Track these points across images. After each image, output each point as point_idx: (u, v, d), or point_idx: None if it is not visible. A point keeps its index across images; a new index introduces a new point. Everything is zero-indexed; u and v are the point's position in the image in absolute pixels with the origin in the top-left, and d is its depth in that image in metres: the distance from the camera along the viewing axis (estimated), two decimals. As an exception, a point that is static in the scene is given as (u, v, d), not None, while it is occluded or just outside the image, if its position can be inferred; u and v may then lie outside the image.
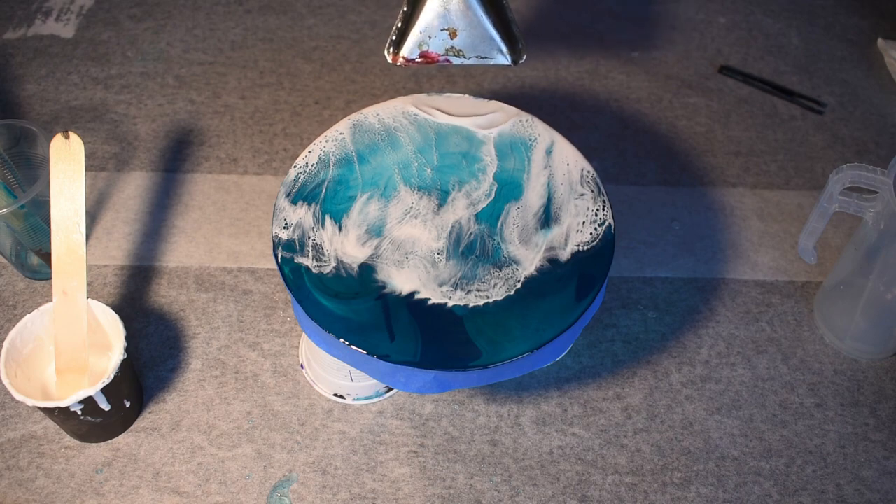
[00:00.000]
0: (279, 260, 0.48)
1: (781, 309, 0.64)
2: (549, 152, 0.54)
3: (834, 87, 0.81)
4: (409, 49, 0.54)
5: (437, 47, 0.54)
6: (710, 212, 0.70)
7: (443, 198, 0.52)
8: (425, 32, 0.53)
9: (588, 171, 0.53)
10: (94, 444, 0.55)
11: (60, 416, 0.51)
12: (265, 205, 0.69)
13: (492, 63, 0.54)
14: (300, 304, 0.47)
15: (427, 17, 0.53)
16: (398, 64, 0.54)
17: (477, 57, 0.54)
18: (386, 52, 0.54)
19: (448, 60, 0.54)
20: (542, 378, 0.60)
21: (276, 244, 0.49)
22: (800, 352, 0.62)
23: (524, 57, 0.54)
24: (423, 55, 0.53)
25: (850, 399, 0.60)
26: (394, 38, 0.54)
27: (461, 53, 0.53)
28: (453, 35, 0.53)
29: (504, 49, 0.54)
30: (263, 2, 0.86)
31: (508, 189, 0.52)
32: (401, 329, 0.46)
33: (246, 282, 0.64)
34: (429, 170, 0.53)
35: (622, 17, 0.87)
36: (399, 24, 0.54)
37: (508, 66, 0.54)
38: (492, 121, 0.55)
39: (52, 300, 0.53)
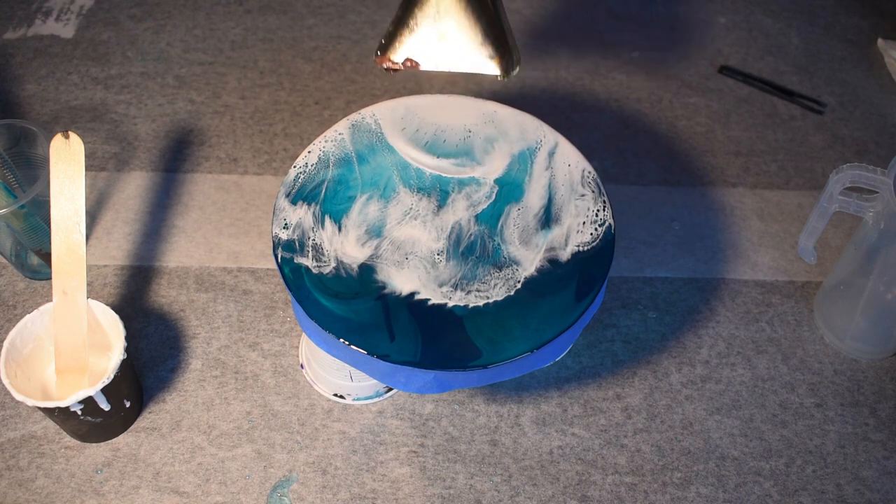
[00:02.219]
0: (279, 260, 0.48)
1: (781, 309, 0.64)
2: (551, 154, 0.54)
3: (834, 87, 0.81)
4: (396, 53, 0.53)
5: (425, 53, 0.53)
6: (710, 212, 0.70)
7: (443, 199, 0.52)
8: (415, 37, 0.53)
9: (589, 172, 0.53)
10: (94, 444, 0.55)
11: (60, 416, 0.51)
12: (265, 205, 0.69)
13: (481, 72, 0.53)
14: (300, 304, 0.47)
15: (417, 23, 0.53)
16: (385, 67, 0.54)
17: (465, 65, 0.53)
18: (374, 54, 0.54)
19: (435, 67, 0.53)
20: (542, 378, 0.60)
21: (276, 244, 0.49)
22: (800, 352, 0.62)
23: (516, 70, 0.53)
24: (409, 60, 0.53)
25: (850, 399, 0.60)
26: (383, 41, 0.54)
27: (449, 60, 0.53)
28: (443, 42, 0.53)
29: (494, 58, 0.53)
30: (263, 2, 0.86)
31: (509, 190, 0.52)
32: (401, 329, 0.46)
33: (246, 282, 0.64)
34: (428, 171, 0.53)
35: (622, 17, 0.87)
36: (390, 28, 0.54)
37: (499, 76, 0.53)
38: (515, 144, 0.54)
39: (52, 300, 0.53)
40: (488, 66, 0.53)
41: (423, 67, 0.53)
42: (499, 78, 0.53)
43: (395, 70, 0.54)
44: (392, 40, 0.53)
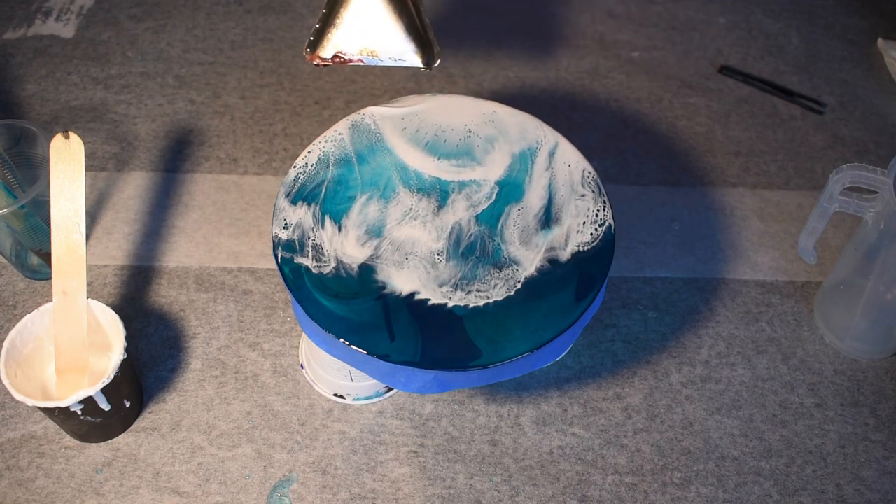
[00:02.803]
0: (279, 260, 0.48)
1: (781, 309, 0.64)
2: (551, 154, 0.54)
3: (834, 87, 0.81)
4: (324, 49, 0.56)
5: (352, 48, 0.55)
6: (710, 212, 0.70)
7: (443, 199, 0.52)
8: (341, 33, 0.55)
9: (589, 172, 0.53)
10: (94, 444, 0.55)
11: (60, 416, 0.51)
12: (265, 205, 0.69)
13: (405, 65, 0.56)
14: (300, 304, 0.47)
15: (343, 19, 0.55)
16: (315, 63, 0.56)
17: (391, 58, 0.56)
18: (304, 51, 0.56)
19: (362, 61, 0.56)
20: (542, 378, 0.60)
21: (276, 244, 0.49)
22: (800, 352, 0.62)
23: (438, 61, 0.56)
24: (337, 55, 0.55)
25: (850, 399, 0.60)
26: (311, 38, 0.56)
27: (375, 54, 0.55)
28: (367, 37, 0.55)
29: (416, 52, 0.56)
30: (263, 2, 0.86)
31: (509, 190, 0.52)
32: (401, 329, 0.46)
33: (246, 282, 0.64)
34: (428, 174, 0.53)
35: (622, 17, 0.87)
36: (318, 25, 0.56)
37: (421, 68, 0.57)
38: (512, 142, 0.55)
39: (52, 300, 0.53)
40: (412, 58, 0.56)
41: (350, 62, 0.56)
42: (423, 69, 0.56)
43: (325, 65, 0.56)
44: (320, 37, 0.56)
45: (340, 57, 0.55)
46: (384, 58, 0.56)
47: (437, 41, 0.57)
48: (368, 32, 0.55)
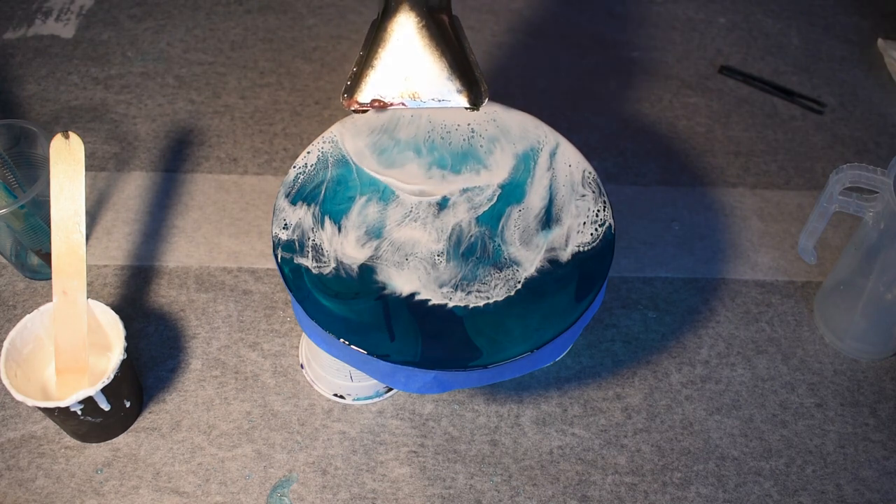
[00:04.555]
0: (279, 260, 0.48)
1: (781, 309, 0.64)
2: (552, 155, 0.54)
3: (834, 87, 0.81)
4: (362, 93, 0.53)
5: (392, 91, 0.53)
6: (710, 212, 0.70)
7: (443, 200, 0.52)
8: (380, 76, 0.53)
9: (589, 173, 0.53)
10: (94, 444, 0.55)
11: (60, 416, 0.51)
12: (265, 205, 0.69)
13: (450, 106, 0.54)
14: (300, 304, 0.47)
15: (382, 61, 0.53)
16: (353, 109, 0.53)
17: (433, 100, 0.53)
18: (341, 97, 0.53)
19: (403, 104, 0.53)
20: (542, 378, 0.60)
21: (276, 244, 0.49)
22: (800, 352, 0.62)
23: (485, 100, 0.54)
24: (377, 100, 0.53)
25: (850, 399, 0.60)
26: (349, 83, 0.53)
27: (417, 96, 0.53)
28: (409, 79, 0.53)
29: (462, 91, 0.53)
30: (263, 2, 0.86)
31: (510, 191, 0.52)
32: (401, 329, 0.46)
33: (246, 282, 0.64)
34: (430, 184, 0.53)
35: (622, 17, 0.87)
36: (355, 69, 0.53)
37: (468, 108, 0.54)
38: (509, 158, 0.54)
39: (52, 300, 0.53)
40: (457, 99, 0.54)
41: (391, 105, 0.54)
42: (469, 110, 0.54)
43: (364, 111, 0.54)
44: (358, 81, 0.53)
45: (380, 101, 0.53)
46: (427, 99, 0.53)
47: (484, 79, 0.54)
48: (409, 73, 0.52)
